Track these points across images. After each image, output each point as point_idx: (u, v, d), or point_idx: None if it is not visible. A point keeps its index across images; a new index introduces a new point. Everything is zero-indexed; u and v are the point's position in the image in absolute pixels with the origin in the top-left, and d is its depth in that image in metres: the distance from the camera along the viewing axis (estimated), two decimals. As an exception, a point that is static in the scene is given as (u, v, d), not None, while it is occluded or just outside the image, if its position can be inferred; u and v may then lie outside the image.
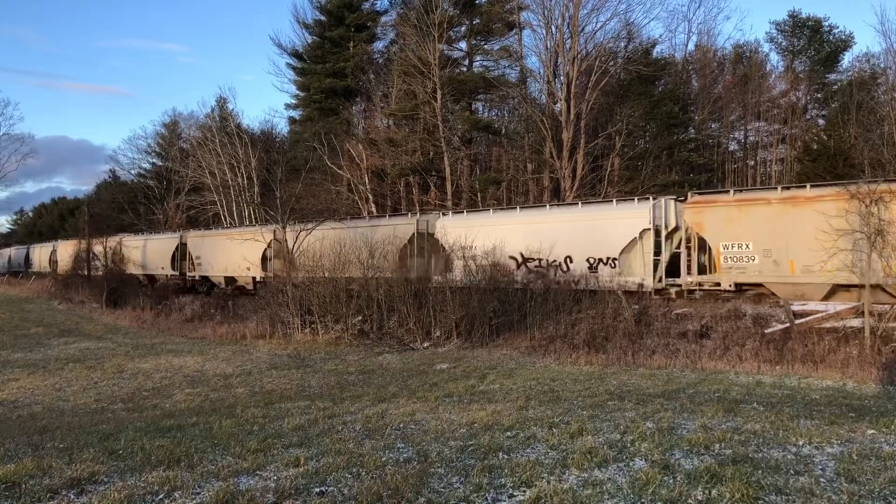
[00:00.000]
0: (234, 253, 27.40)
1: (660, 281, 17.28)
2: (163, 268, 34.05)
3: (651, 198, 18.02)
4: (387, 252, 19.92)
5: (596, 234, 18.02)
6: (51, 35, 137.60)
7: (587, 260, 18.02)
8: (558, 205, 22.20)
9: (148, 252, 35.53)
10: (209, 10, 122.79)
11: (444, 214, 22.77)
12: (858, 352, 11.70)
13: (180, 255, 32.87)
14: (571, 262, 18.27)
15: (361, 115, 42.30)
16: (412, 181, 35.16)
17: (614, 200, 19.45)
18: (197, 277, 31.55)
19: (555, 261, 18.37)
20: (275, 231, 25.09)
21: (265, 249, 26.07)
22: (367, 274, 18.63)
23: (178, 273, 32.92)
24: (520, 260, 19.03)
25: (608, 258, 17.74)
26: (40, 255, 53.16)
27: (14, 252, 62.10)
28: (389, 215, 25.68)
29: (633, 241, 17.43)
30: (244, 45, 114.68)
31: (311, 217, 25.49)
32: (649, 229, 17.18)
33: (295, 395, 10.63)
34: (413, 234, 22.04)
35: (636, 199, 18.62)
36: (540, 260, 18.53)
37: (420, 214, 23.37)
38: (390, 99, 36.48)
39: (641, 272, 17.32)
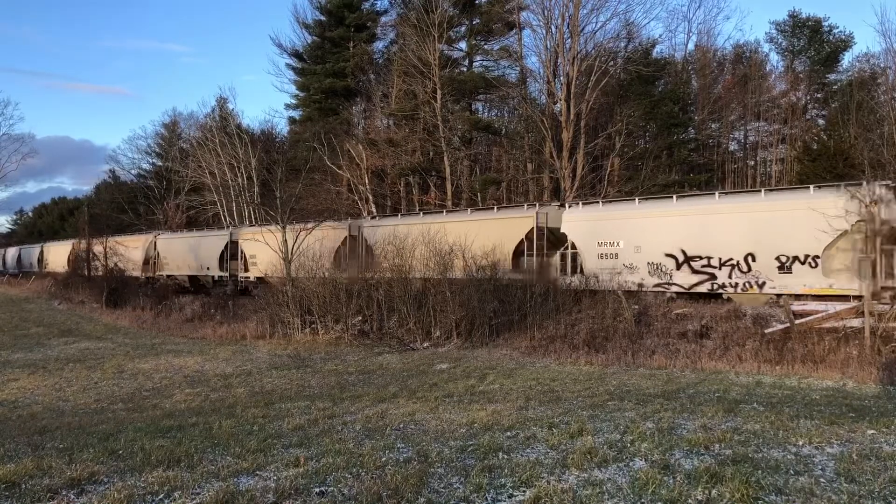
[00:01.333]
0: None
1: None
2: (208, 268, 31.36)
3: (865, 182, 15.05)
4: (502, 250, 18.32)
5: (787, 228, 15.20)
6: (54, 35, 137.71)
7: (777, 258, 15.35)
8: (732, 192, 19.27)
9: (189, 251, 33.07)
10: (211, 10, 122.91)
11: (570, 206, 20.04)
12: (858, 352, 11.70)
13: (230, 254, 30.09)
14: (754, 260, 15.69)
15: (361, 115, 42.31)
16: (412, 181, 35.18)
17: (811, 187, 16.14)
18: (252, 278, 28.60)
19: (730, 259, 15.96)
20: (349, 226, 24.04)
21: (339, 247, 23.92)
22: (479, 275, 16.95)
23: (227, 274, 30.27)
24: (680, 259, 16.75)
25: (807, 256, 14.93)
26: (31, 255, 52.96)
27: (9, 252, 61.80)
28: (499, 207, 22.92)
29: (843, 235, 14.44)
30: (246, 45, 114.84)
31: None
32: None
33: (295, 396, 10.62)
34: (532, 228, 19.48)
35: (842, 184, 15.36)
36: (709, 258, 16.26)
37: (539, 206, 20.54)
38: (390, 99, 36.49)
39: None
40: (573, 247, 18.70)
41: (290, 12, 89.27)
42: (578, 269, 18.19)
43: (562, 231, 18.85)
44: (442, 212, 25.11)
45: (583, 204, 19.84)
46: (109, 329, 23.67)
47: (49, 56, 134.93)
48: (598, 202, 20.04)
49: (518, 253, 19.64)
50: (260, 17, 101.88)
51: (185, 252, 33.49)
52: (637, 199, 19.31)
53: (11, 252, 60.96)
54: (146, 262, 35.40)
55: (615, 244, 16.91)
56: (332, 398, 9.41)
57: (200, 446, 5.71)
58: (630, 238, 17.03)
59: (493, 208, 22.63)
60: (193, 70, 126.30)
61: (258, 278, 27.11)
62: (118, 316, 26.58)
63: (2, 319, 26.94)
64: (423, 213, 24.98)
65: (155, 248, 35.48)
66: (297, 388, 11.77)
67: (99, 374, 14.41)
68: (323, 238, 22.13)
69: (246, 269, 28.83)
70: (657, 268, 17.08)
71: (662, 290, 16.98)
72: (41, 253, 51.22)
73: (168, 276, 33.99)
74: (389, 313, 17.73)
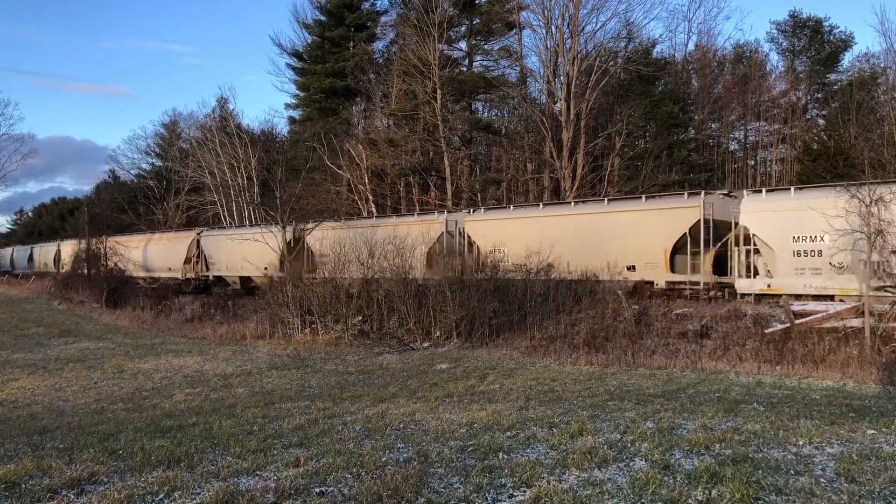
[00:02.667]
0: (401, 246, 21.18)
1: None
2: (266, 268, 26.50)
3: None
4: (655, 247, 16.64)
5: None
6: (56, 35, 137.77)
7: None
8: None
9: (238, 252, 27.95)
10: (213, 10, 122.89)
11: (747, 193, 16.82)
12: (858, 352, 11.70)
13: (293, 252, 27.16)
14: None
15: (361, 115, 42.35)
16: (412, 181, 35.18)
17: None
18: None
19: None
20: (446, 221, 22.48)
21: (433, 244, 22.15)
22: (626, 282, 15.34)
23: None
24: None
25: None
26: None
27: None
28: (647, 197, 19.25)
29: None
30: (247, 45, 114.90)
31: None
32: None
33: (295, 396, 10.62)
34: (698, 220, 16.75)
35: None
36: None
37: (706, 194, 17.59)
38: (390, 99, 36.50)
39: None
40: (745, 241, 15.89)
41: (290, 12, 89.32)
42: (761, 271, 15.60)
43: (741, 223, 15.93)
44: (569, 203, 21.99)
45: (766, 192, 16.70)
46: (109, 329, 23.67)
47: (51, 56, 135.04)
48: (788, 189, 16.68)
49: (675, 250, 17.26)
50: (261, 17, 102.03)
51: (234, 251, 28.75)
52: (835, 185, 15.11)
53: (20, 251, 59.46)
54: (187, 260, 32.49)
55: (818, 239, 14.33)
56: (332, 398, 9.41)
57: (200, 446, 5.71)
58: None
59: (640, 198, 19.38)
60: (195, 70, 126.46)
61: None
62: (118, 316, 26.58)
63: (2, 319, 26.94)
64: (544, 205, 22.04)
65: (198, 247, 32.28)
66: (297, 388, 11.77)
67: (99, 374, 14.41)
68: (406, 235, 19.96)
69: (313, 269, 24.12)
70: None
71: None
72: (58, 252, 47.60)
73: (216, 278, 31.56)
74: (389, 313, 17.72)
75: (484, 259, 19.73)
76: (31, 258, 54.73)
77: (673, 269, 17.21)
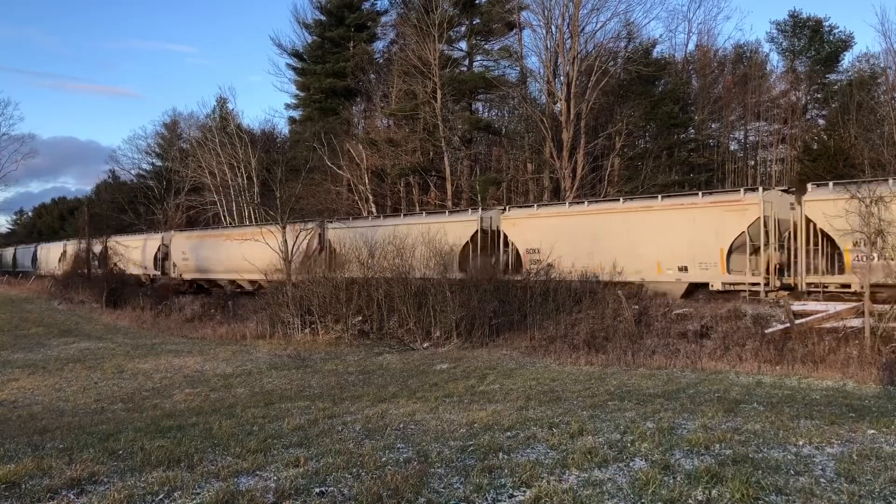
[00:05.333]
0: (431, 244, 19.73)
1: None
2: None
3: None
4: (710, 249, 15.86)
5: None
6: (60, 36, 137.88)
7: None
8: None
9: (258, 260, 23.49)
10: (216, 11, 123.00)
11: (816, 186, 15.97)
12: (858, 352, 11.69)
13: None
14: None
15: (361, 115, 42.33)
16: (412, 181, 35.17)
17: None
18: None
19: None
20: (481, 219, 21.19)
21: (466, 243, 20.94)
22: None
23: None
24: None
25: None
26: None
27: None
28: (704, 193, 17.84)
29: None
30: (251, 46, 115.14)
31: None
32: None
33: (295, 396, 10.62)
34: (757, 219, 15.75)
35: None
36: None
37: (763, 190, 16.58)
38: (390, 99, 36.51)
39: None
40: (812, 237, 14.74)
41: (290, 12, 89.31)
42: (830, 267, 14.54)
43: (806, 217, 15.26)
44: (616, 199, 19.90)
45: (833, 185, 15.59)
46: (109, 329, 23.67)
47: (55, 57, 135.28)
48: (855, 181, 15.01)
49: (731, 250, 16.33)
50: (265, 17, 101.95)
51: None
52: None
53: (23, 250, 58.77)
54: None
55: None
56: (332, 398, 9.41)
57: (200, 446, 5.71)
58: None
59: (696, 194, 17.94)
60: (199, 71, 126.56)
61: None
62: (118, 316, 26.58)
63: (2, 319, 26.93)
64: (589, 202, 20.05)
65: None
66: (297, 388, 11.76)
67: (99, 374, 14.41)
68: (438, 234, 19.25)
69: (337, 267, 20.86)
70: None
71: None
72: (64, 252, 45.41)
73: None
74: (389, 313, 17.72)
75: (523, 259, 18.97)
76: (34, 258, 54.26)
77: (729, 270, 16.49)
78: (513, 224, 20.54)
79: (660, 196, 19.10)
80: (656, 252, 17.16)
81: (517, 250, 20.10)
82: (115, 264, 33.34)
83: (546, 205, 22.16)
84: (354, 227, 24.06)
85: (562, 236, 18.42)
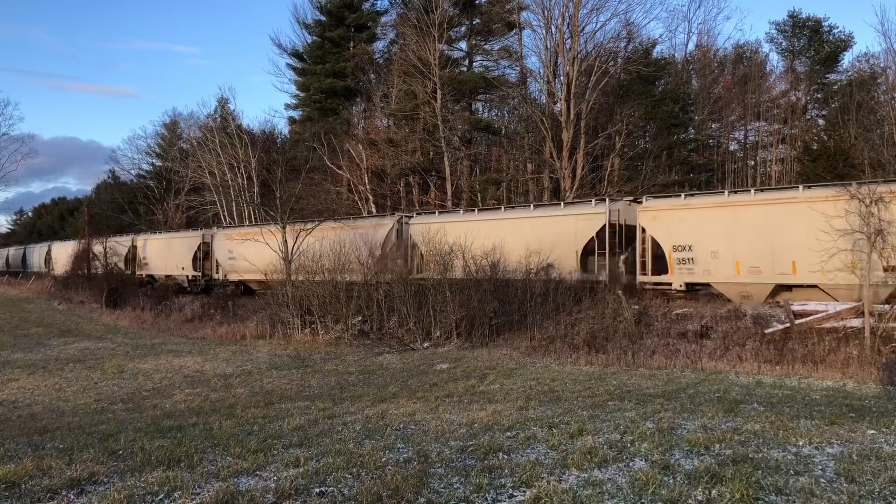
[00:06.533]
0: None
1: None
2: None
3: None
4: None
5: None
6: (61, 36, 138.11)
7: None
8: None
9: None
10: (217, 11, 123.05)
11: None
12: (858, 352, 11.69)
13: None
14: None
15: (361, 115, 42.33)
16: (412, 181, 35.18)
17: None
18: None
19: None
20: (609, 211, 18.72)
21: (591, 239, 19.00)
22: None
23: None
24: None
25: None
26: None
27: None
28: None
29: None
30: (252, 46, 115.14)
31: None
32: None
33: (295, 396, 10.62)
34: None
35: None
36: None
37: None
38: (390, 99, 36.52)
39: None
40: None
41: (291, 12, 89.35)
42: None
43: None
44: (796, 187, 16.50)
45: None
46: (109, 329, 23.67)
47: (57, 57, 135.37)
48: None
49: None
50: (265, 17, 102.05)
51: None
52: None
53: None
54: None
55: None
56: (332, 398, 9.40)
57: (200, 446, 5.71)
58: None
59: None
60: (199, 71, 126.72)
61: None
62: (118, 316, 26.58)
63: (2, 319, 26.93)
64: (751, 192, 17.15)
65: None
66: (297, 389, 11.76)
67: (99, 375, 14.40)
68: (552, 230, 18.31)
69: (418, 269, 20.12)
70: None
71: None
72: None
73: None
74: (389, 313, 17.72)
75: (668, 258, 16.91)
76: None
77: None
78: (653, 217, 17.64)
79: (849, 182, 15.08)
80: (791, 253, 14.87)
81: (661, 248, 17.49)
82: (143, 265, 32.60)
83: (697, 195, 18.79)
84: (442, 222, 21.17)
85: (714, 231, 16.27)
